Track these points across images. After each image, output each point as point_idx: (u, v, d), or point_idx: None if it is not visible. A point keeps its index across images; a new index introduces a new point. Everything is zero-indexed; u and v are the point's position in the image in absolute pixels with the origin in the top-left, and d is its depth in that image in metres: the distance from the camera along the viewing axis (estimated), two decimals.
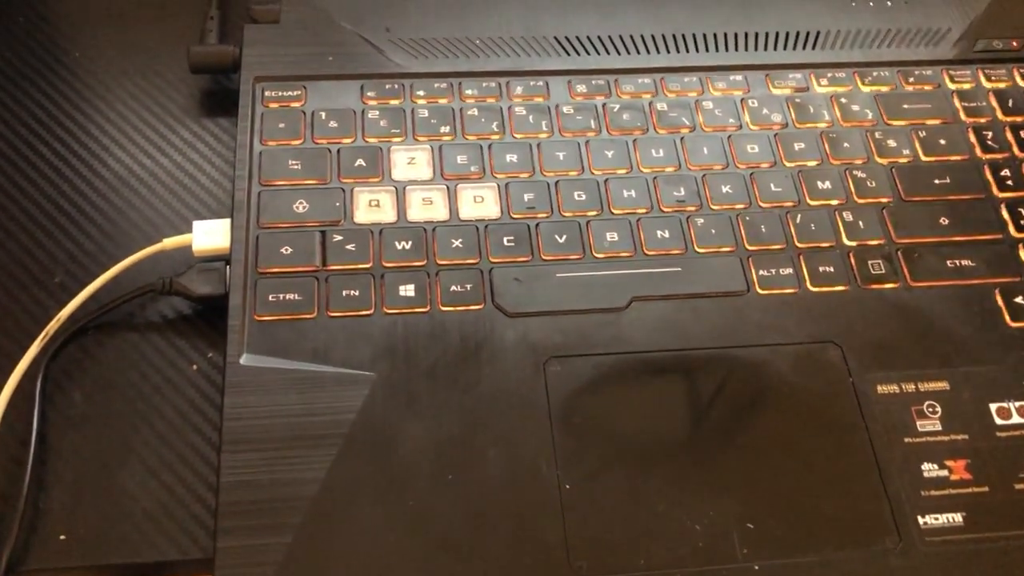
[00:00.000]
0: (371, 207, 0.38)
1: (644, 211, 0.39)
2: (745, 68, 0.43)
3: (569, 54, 0.43)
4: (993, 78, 0.44)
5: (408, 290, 0.36)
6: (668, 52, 0.44)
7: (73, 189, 0.40)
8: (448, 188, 0.39)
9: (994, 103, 0.43)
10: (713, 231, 0.38)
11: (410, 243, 0.37)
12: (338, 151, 0.39)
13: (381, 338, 0.35)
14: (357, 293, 0.36)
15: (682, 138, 0.41)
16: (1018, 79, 0.44)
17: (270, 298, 0.35)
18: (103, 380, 0.36)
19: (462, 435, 0.33)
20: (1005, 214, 0.40)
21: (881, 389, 0.35)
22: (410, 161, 0.39)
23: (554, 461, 0.33)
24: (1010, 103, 0.43)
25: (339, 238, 0.37)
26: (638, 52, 0.43)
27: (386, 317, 0.35)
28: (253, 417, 0.33)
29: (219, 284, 0.36)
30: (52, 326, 0.36)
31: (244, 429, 0.32)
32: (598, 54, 0.43)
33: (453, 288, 0.36)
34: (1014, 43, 0.45)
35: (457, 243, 0.37)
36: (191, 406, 0.36)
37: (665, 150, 0.40)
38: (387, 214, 0.38)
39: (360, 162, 0.39)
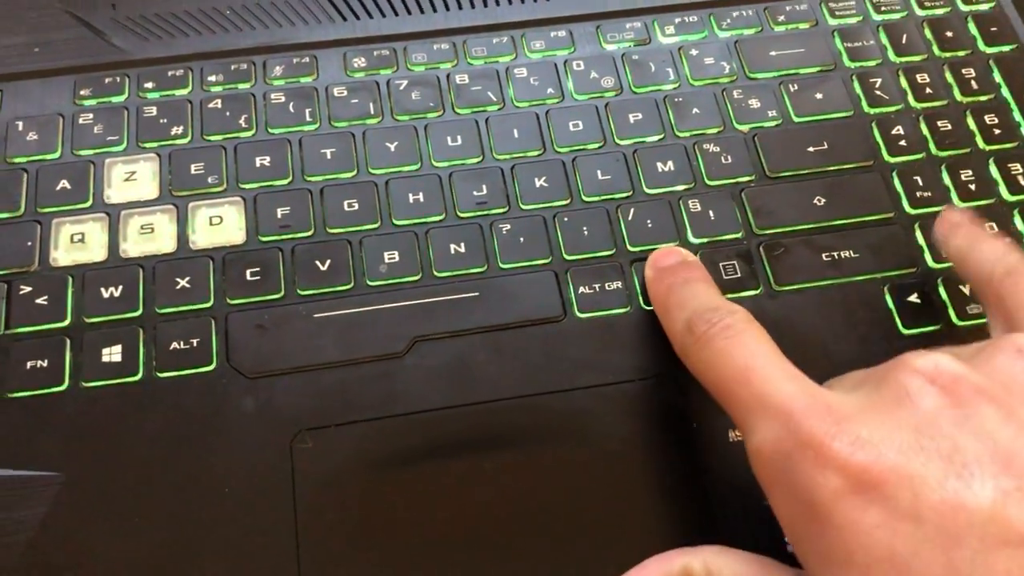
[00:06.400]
0: (74, 244, 0.29)
1: (436, 219, 0.30)
2: (570, 20, 0.34)
3: (345, 19, 0.34)
4: (884, 7, 0.35)
5: (114, 353, 0.27)
6: (472, 7, 0.34)
7: None
8: (177, 209, 0.30)
9: (885, 41, 0.34)
10: (522, 239, 0.30)
11: (120, 288, 0.28)
12: (36, 171, 0.30)
13: (74, 423, 0.26)
14: (45, 364, 0.27)
15: (487, 119, 0.32)
16: (915, 6, 0.35)
17: None
18: None
19: (179, 552, 0.25)
20: (898, 185, 0.31)
21: (735, 437, 0.27)
22: (129, 176, 0.30)
23: None
24: (904, 40, 0.34)
25: (27, 289, 0.28)
26: (433, 10, 0.34)
27: (83, 393, 0.27)
28: None
29: None
30: None
31: None
32: (382, 16, 0.34)
33: (174, 346, 0.28)
34: None
35: (183, 283, 0.29)
36: None
37: (464, 136, 0.32)
38: (94, 252, 0.29)
39: (64, 184, 0.30)
